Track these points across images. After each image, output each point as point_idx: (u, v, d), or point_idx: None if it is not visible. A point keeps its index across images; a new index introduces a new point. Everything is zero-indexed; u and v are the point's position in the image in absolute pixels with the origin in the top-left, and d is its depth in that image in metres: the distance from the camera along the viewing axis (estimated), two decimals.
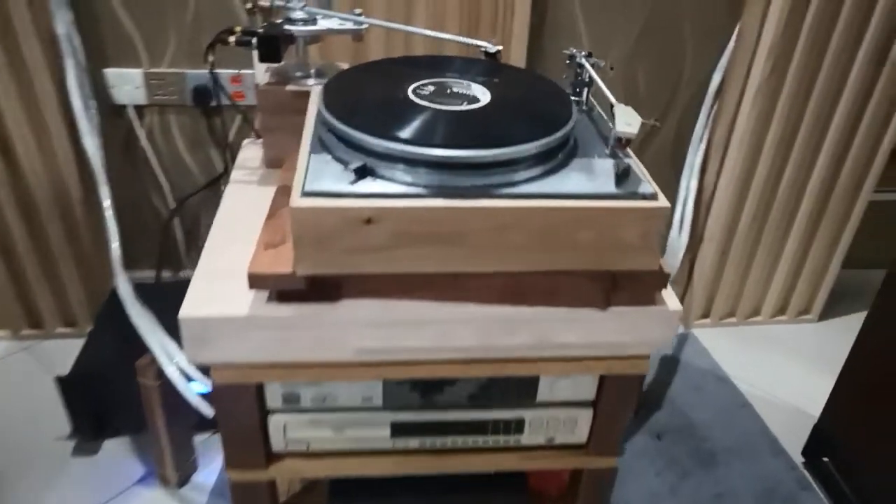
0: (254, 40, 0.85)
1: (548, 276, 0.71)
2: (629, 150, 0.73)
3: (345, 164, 0.69)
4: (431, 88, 0.78)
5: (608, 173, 0.71)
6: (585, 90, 0.86)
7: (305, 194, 0.65)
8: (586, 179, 0.70)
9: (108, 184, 1.28)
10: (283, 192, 0.82)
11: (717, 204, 1.60)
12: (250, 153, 1.01)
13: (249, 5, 0.93)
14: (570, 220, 0.68)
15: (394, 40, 1.38)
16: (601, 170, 0.71)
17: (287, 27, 0.91)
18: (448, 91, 0.77)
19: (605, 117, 0.84)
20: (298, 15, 0.92)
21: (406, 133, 0.68)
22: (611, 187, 0.69)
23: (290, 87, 0.93)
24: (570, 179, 0.70)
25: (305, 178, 0.67)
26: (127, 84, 1.49)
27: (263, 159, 0.98)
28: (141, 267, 1.70)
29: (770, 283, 1.72)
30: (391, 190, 0.66)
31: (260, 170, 0.97)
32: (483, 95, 0.77)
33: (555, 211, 0.67)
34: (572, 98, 0.83)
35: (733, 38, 1.50)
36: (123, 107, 1.52)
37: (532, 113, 0.75)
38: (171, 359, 1.15)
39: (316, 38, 0.94)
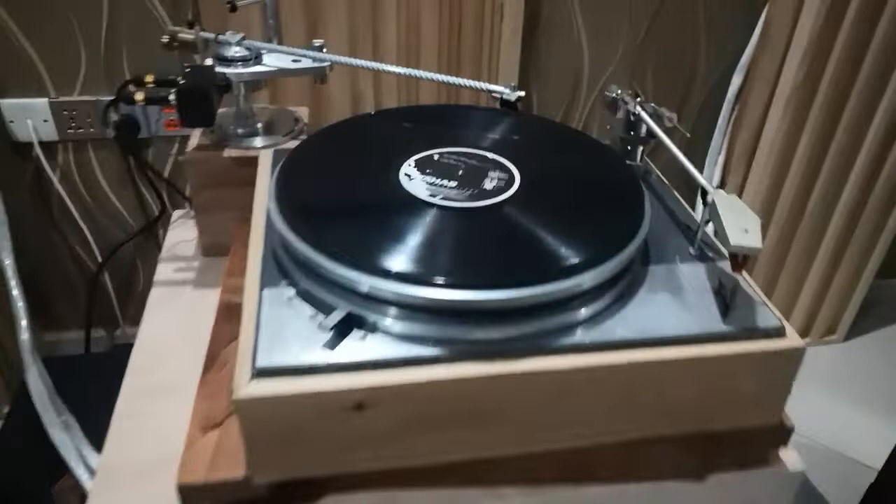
0: (171, 96, 0.60)
1: (624, 444, 0.49)
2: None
3: (317, 306, 0.45)
4: (434, 165, 0.54)
5: (705, 296, 0.48)
6: (640, 149, 0.63)
7: (259, 374, 0.41)
8: (677, 308, 0.47)
9: (9, 243, 1.01)
10: (227, 317, 0.58)
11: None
12: (183, 233, 0.75)
13: (166, 39, 0.68)
14: (657, 377, 0.46)
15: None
16: (694, 289, 0.49)
17: (220, 69, 0.66)
18: (460, 170, 0.53)
19: (665, 182, 0.62)
20: (236, 52, 0.67)
21: (413, 263, 0.44)
22: (715, 322, 0.46)
23: (229, 153, 0.68)
24: (653, 311, 0.47)
25: (256, 342, 0.43)
26: (30, 117, 1.21)
27: (199, 246, 0.73)
28: (68, 327, 1.43)
29: (793, 307, 1.53)
30: (392, 352, 0.43)
31: (196, 261, 0.72)
32: (509, 175, 0.53)
33: (636, 367, 0.45)
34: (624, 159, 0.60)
35: (756, 32, 1.29)
36: (28, 144, 1.24)
37: (590, 206, 0.52)
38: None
39: (260, 82, 0.69)
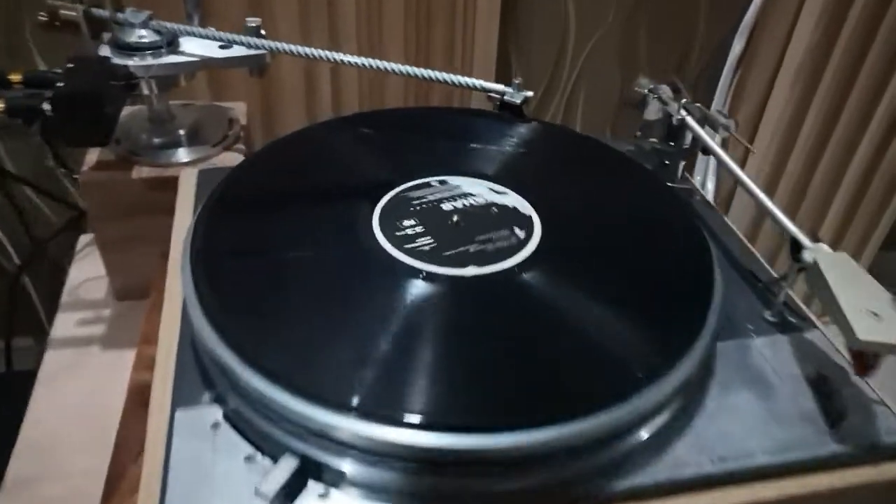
0: (46, 104, 0.43)
1: None
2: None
3: (256, 442, 0.31)
4: (418, 208, 0.39)
5: (797, 392, 0.35)
6: (681, 164, 0.48)
7: None
8: (763, 417, 0.34)
9: None
10: (140, 411, 0.42)
11: (737, 203, 1.27)
12: (91, 268, 0.59)
13: (45, 17, 0.50)
14: None
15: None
16: (781, 379, 0.35)
17: (120, 60, 0.49)
18: (453, 217, 0.38)
19: (714, 207, 0.48)
20: (142, 37, 0.50)
21: (391, 391, 0.29)
22: (821, 438, 0.33)
23: (140, 172, 0.52)
24: (731, 424, 0.33)
25: (164, 499, 0.28)
26: None
27: (110, 289, 0.57)
28: None
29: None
30: None
31: (106, 308, 0.56)
32: (524, 221, 0.38)
33: None
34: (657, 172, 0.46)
35: None
36: None
37: (640, 277, 0.37)
38: None
39: (177, 77, 0.52)
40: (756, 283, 0.42)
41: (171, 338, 0.36)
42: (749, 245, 0.45)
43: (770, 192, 1.24)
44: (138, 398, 0.44)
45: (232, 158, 0.54)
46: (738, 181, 0.42)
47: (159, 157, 0.53)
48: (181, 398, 0.33)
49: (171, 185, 0.49)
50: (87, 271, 0.59)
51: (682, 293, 0.35)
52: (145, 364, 0.46)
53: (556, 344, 0.32)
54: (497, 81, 0.50)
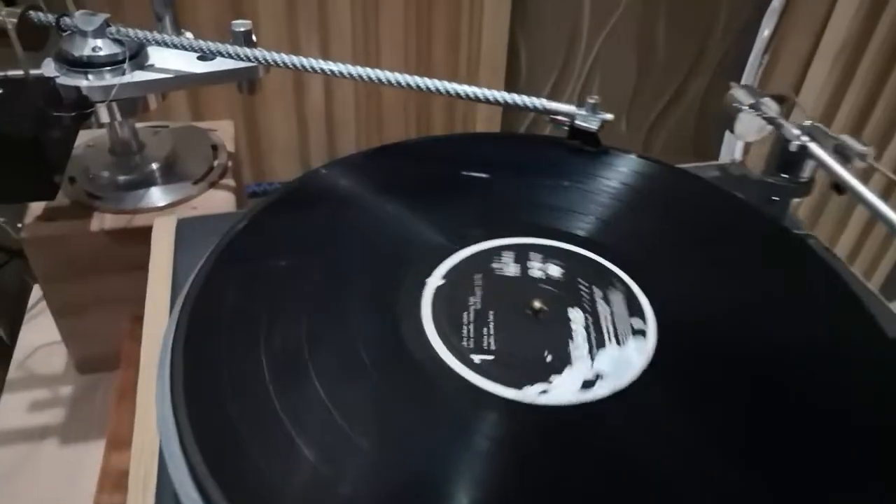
0: None
1: None
2: None
3: None
4: (479, 294, 0.28)
5: None
6: (792, 202, 0.38)
7: None
8: None
9: None
10: None
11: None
12: (44, 332, 0.47)
13: None
14: None
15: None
16: None
17: (67, 81, 0.37)
18: (535, 304, 0.28)
19: (837, 257, 0.38)
20: (97, 49, 0.38)
21: None
22: None
23: (101, 222, 0.40)
24: None
25: None
26: None
27: (70, 359, 0.46)
28: None
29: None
30: None
31: (67, 385, 0.45)
32: (622, 304, 0.28)
33: None
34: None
35: None
36: None
37: (805, 412, 0.25)
38: None
39: (145, 99, 0.40)
40: None
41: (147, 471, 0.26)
42: (882, 299, 0.35)
43: None
44: None
45: (220, 199, 0.43)
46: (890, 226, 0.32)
47: (125, 201, 0.41)
48: None
49: (142, 235, 0.38)
50: (43, 335, 0.47)
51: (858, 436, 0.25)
52: (113, 482, 0.36)
53: None
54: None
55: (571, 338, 0.26)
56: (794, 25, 1.07)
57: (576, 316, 0.27)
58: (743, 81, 1.14)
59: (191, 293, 0.27)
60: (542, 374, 0.25)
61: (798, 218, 0.40)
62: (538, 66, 1.08)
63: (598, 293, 0.28)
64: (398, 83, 0.36)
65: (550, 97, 1.19)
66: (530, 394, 0.24)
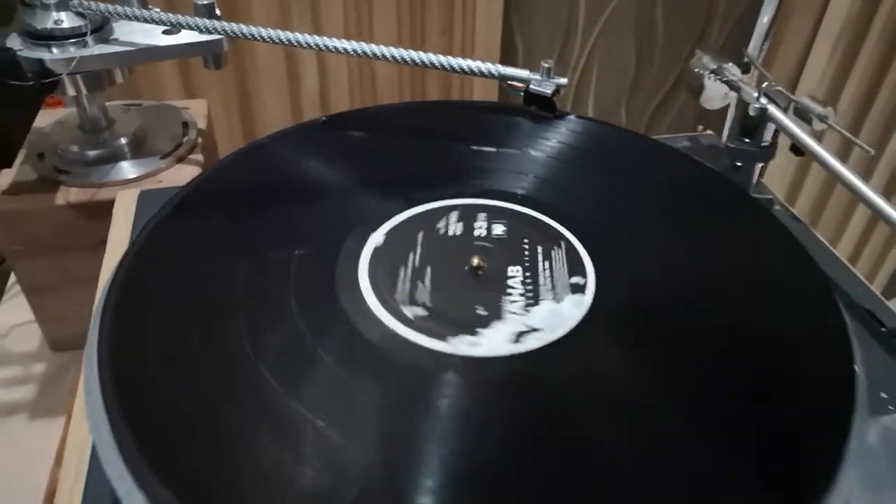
0: None
1: None
2: None
3: None
4: (419, 251, 0.28)
5: None
6: (758, 167, 0.38)
7: None
8: None
9: None
10: None
11: (767, 185, 1.16)
12: (20, 312, 0.48)
13: None
14: None
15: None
16: None
17: (29, 54, 0.38)
18: (473, 261, 0.27)
19: (801, 221, 0.37)
20: (59, 21, 0.38)
21: None
22: None
23: (67, 195, 0.41)
24: None
25: None
26: None
27: (44, 337, 0.46)
28: None
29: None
30: None
31: (40, 363, 0.45)
32: (563, 259, 0.27)
33: None
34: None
35: None
36: None
37: (741, 361, 0.25)
38: None
39: (110, 72, 0.41)
40: (879, 330, 0.31)
41: (78, 468, 0.26)
42: (862, 278, 0.34)
43: (801, 176, 1.13)
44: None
45: (187, 173, 0.43)
46: (855, 193, 0.31)
47: (93, 175, 0.42)
48: None
49: (106, 209, 0.38)
50: (18, 314, 0.48)
51: (809, 382, 0.24)
52: None
53: (648, 465, 0.21)
54: (504, 61, 0.40)
55: (507, 293, 0.26)
56: (794, 8, 1.05)
57: (515, 273, 0.27)
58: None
59: (124, 259, 0.27)
60: (473, 327, 0.25)
61: (763, 183, 0.40)
62: (535, 55, 1.07)
63: (540, 251, 0.28)
64: (342, 49, 0.36)
65: None
66: (460, 346, 0.24)
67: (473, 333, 0.24)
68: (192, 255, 0.28)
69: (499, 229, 0.29)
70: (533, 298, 0.26)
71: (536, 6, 1.04)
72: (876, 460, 0.26)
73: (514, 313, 0.25)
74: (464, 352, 0.24)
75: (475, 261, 0.27)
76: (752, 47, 1.12)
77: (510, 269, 0.27)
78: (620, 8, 1.08)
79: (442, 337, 0.24)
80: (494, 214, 0.30)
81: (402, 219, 0.29)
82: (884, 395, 0.28)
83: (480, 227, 0.29)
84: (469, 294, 0.26)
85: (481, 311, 0.25)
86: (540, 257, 0.28)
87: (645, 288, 0.27)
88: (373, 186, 0.31)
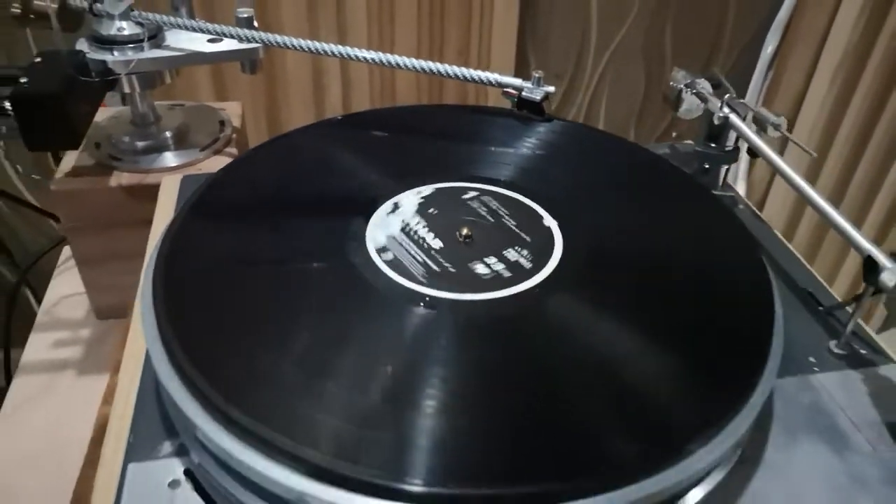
0: (6, 104, 0.38)
1: None
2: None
3: None
4: (422, 221, 0.33)
5: (873, 440, 0.29)
6: (724, 169, 0.43)
7: None
8: (837, 474, 0.28)
9: None
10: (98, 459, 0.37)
11: (768, 210, 1.20)
12: (73, 282, 0.54)
13: (18, 9, 0.46)
14: None
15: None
16: (854, 423, 0.29)
17: (96, 56, 0.44)
18: (463, 231, 0.33)
19: (761, 217, 0.42)
20: (121, 30, 0.45)
21: (391, 455, 0.23)
22: None
23: (119, 179, 0.47)
24: (796, 483, 0.27)
25: None
26: None
27: (91, 307, 0.52)
28: None
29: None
30: None
31: (86, 328, 0.51)
32: (544, 237, 0.33)
33: None
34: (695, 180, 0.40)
35: None
36: None
37: (679, 311, 0.30)
38: None
39: (161, 73, 0.47)
40: (816, 308, 0.36)
41: (133, 372, 0.31)
42: (806, 263, 0.39)
43: (802, 202, 1.17)
44: (102, 440, 0.39)
45: (222, 164, 0.49)
46: (798, 191, 0.36)
47: (141, 162, 0.48)
48: (137, 448, 0.28)
49: (154, 193, 0.44)
50: (69, 286, 0.54)
51: (734, 329, 0.29)
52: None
53: (584, 391, 0.26)
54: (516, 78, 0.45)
55: (491, 255, 0.31)
56: (797, 40, 1.10)
57: (494, 241, 0.32)
58: (748, 95, 1.17)
59: (177, 218, 0.33)
60: (460, 280, 0.30)
61: (730, 184, 0.44)
62: (548, 77, 1.13)
63: (517, 224, 0.33)
64: (359, 58, 0.42)
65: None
66: (442, 292, 0.29)
67: (460, 284, 0.30)
68: (230, 209, 0.34)
69: (486, 206, 0.34)
70: (506, 262, 0.31)
71: (550, 31, 1.10)
72: (797, 408, 0.30)
73: (488, 273, 0.30)
74: (451, 297, 0.29)
75: (465, 230, 0.32)
76: (757, 76, 1.17)
77: (494, 236, 0.32)
78: (630, 35, 1.14)
79: (432, 283, 0.29)
80: (483, 195, 0.35)
81: (404, 195, 0.35)
82: (812, 359, 0.33)
83: (471, 204, 0.35)
84: (458, 255, 0.31)
85: (469, 267, 0.31)
86: (517, 230, 0.33)
87: (601, 251, 0.32)
88: (383, 169, 0.37)
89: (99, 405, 0.41)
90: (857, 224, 1.09)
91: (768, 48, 1.14)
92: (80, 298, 0.53)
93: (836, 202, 1.19)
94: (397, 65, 0.42)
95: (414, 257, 0.31)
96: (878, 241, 1.27)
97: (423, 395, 0.25)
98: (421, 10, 0.94)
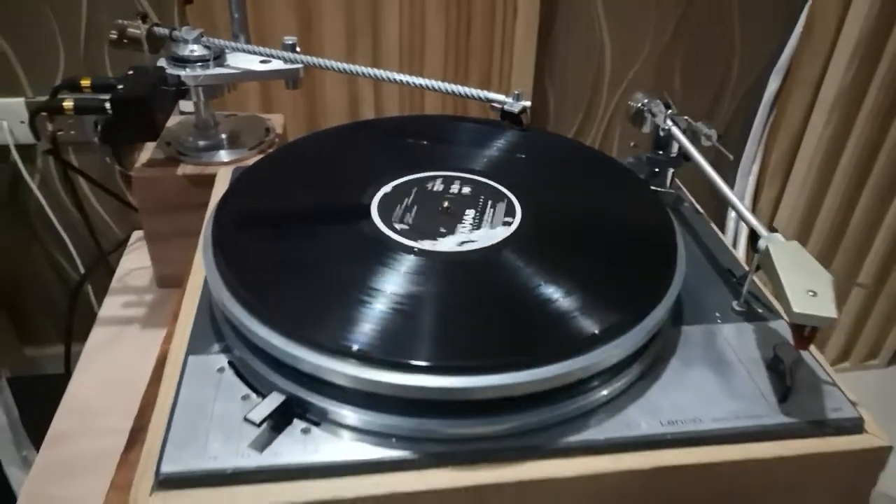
0: (106, 104, 0.50)
1: None
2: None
3: (253, 384, 0.35)
4: (411, 197, 0.43)
5: (755, 372, 0.37)
6: (670, 171, 0.52)
7: (162, 484, 0.31)
8: (718, 390, 0.36)
9: None
10: (160, 375, 0.48)
11: (777, 226, 1.26)
12: (140, 259, 0.65)
13: (115, 35, 0.58)
14: (694, 486, 0.35)
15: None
16: (741, 360, 0.38)
17: (173, 71, 0.56)
18: (445, 202, 0.43)
19: (701, 213, 0.51)
20: (192, 51, 0.57)
21: (375, 338, 0.33)
22: (770, 411, 0.35)
23: (184, 170, 0.58)
24: (687, 395, 0.36)
25: (167, 434, 0.33)
26: (5, 118, 1.12)
27: (154, 277, 0.63)
28: (51, 342, 1.34)
29: (832, 330, 1.40)
30: (344, 454, 0.32)
31: (149, 294, 0.62)
32: (508, 208, 0.43)
33: (665, 473, 0.34)
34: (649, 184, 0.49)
35: (797, 30, 1.16)
36: (4, 147, 1.15)
37: (607, 253, 0.40)
38: None
39: (221, 87, 0.59)
40: (731, 280, 0.44)
41: (192, 301, 0.42)
42: (729, 246, 0.48)
43: (807, 228, 1.24)
44: (163, 368, 0.50)
45: None
46: (710, 180, 0.45)
47: (202, 158, 0.59)
48: (194, 347, 0.38)
49: (210, 181, 0.55)
50: (136, 262, 0.65)
51: (646, 265, 0.39)
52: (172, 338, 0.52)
53: (530, 305, 0.36)
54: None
55: (461, 223, 0.41)
56: (796, 82, 1.18)
57: (469, 212, 0.42)
58: (752, 133, 1.26)
59: (228, 191, 0.44)
60: (435, 237, 0.40)
61: (678, 184, 0.53)
62: (564, 111, 1.23)
63: (489, 202, 0.43)
64: (385, 79, 0.52)
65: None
66: (425, 245, 0.39)
67: (434, 239, 0.39)
68: (270, 188, 0.45)
69: (466, 189, 0.44)
70: (477, 227, 0.41)
71: (566, 71, 1.21)
72: (697, 347, 0.39)
73: (462, 232, 0.40)
74: (426, 248, 0.39)
75: (445, 204, 0.42)
76: (761, 114, 1.25)
77: (467, 210, 0.42)
78: (641, 73, 1.23)
79: (414, 239, 0.39)
80: (465, 181, 0.45)
81: (403, 179, 0.45)
82: (717, 314, 0.41)
83: (454, 187, 0.45)
84: (437, 221, 0.41)
85: (442, 230, 0.40)
86: (489, 206, 0.43)
87: (551, 224, 0.42)
88: (388, 160, 0.47)
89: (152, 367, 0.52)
90: (860, 254, 1.15)
91: (771, 87, 1.22)
92: (145, 271, 0.64)
93: (837, 236, 1.25)
94: (406, 83, 0.53)
95: (402, 219, 0.41)
96: (882, 269, 1.31)
97: (396, 303, 0.35)
98: (447, 46, 1.05)
